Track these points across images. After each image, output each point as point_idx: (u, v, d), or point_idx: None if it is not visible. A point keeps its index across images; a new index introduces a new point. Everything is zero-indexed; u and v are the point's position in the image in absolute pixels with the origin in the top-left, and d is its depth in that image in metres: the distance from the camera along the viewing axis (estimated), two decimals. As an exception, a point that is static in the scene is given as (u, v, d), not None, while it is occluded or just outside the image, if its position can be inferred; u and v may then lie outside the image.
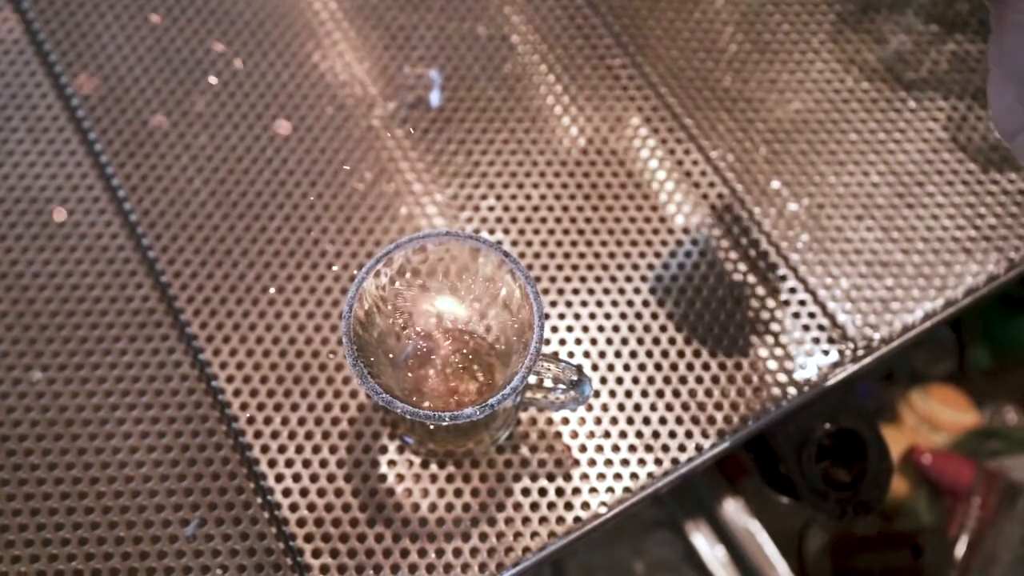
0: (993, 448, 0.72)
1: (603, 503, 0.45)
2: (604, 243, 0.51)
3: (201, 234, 0.49)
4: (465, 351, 0.47)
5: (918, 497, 0.72)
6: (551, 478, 0.45)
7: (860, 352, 0.49)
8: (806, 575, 0.74)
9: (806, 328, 0.49)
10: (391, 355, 0.43)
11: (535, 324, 0.37)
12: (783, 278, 0.50)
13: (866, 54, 0.57)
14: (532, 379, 0.45)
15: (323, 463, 0.45)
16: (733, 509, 0.76)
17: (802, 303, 0.50)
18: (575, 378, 0.39)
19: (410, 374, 0.46)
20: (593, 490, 0.45)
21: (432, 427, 0.44)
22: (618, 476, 0.45)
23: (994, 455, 0.71)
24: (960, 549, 0.67)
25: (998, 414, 0.79)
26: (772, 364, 0.48)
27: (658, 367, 0.48)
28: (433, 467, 0.45)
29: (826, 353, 0.48)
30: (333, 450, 0.45)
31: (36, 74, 0.53)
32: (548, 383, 0.45)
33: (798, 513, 0.77)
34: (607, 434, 0.46)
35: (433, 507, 0.44)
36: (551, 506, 0.45)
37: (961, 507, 0.69)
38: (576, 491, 0.45)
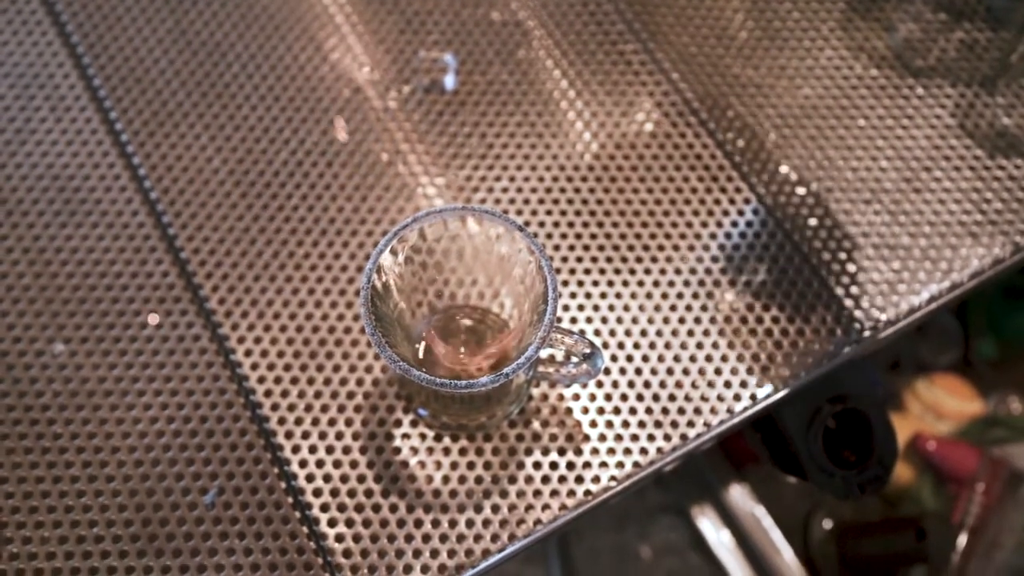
0: (997, 436, 0.72)
1: (612, 477, 0.46)
2: (615, 224, 0.52)
3: (220, 211, 0.50)
4: (480, 327, 0.48)
5: (923, 484, 0.73)
6: (562, 452, 0.46)
7: (866, 333, 0.49)
8: (811, 560, 0.75)
9: (813, 309, 0.50)
10: (407, 330, 0.44)
11: (549, 296, 0.38)
12: (791, 260, 0.51)
13: (875, 41, 0.58)
14: (545, 353, 0.45)
15: (339, 435, 0.46)
16: (739, 494, 0.77)
17: (809, 285, 0.50)
18: (588, 350, 0.40)
19: (425, 350, 0.47)
20: (603, 464, 0.46)
21: (446, 400, 0.45)
22: (627, 451, 0.46)
23: (998, 443, 0.72)
24: (963, 534, 0.68)
25: (1002, 403, 0.79)
26: (779, 344, 0.49)
27: (667, 346, 0.49)
28: (446, 440, 0.46)
29: (833, 334, 0.49)
30: (349, 423, 0.46)
31: (58, 55, 0.54)
32: (561, 356, 0.46)
33: (803, 499, 0.78)
34: (617, 410, 0.47)
35: (446, 479, 0.45)
36: (562, 479, 0.46)
37: (965, 493, 0.69)
38: (587, 465, 0.46)
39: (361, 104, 0.54)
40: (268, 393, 0.46)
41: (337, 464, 0.45)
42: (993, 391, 0.80)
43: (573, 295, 0.50)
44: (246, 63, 0.55)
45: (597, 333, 0.49)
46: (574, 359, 0.42)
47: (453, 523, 0.44)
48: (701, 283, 0.50)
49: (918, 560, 0.67)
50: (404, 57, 0.55)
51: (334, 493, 0.45)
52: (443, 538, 0.44)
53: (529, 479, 0.45)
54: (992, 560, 0.65)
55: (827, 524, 0.76)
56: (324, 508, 0.44)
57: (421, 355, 0.44)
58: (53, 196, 0.50)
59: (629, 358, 0.48)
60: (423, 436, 0.46)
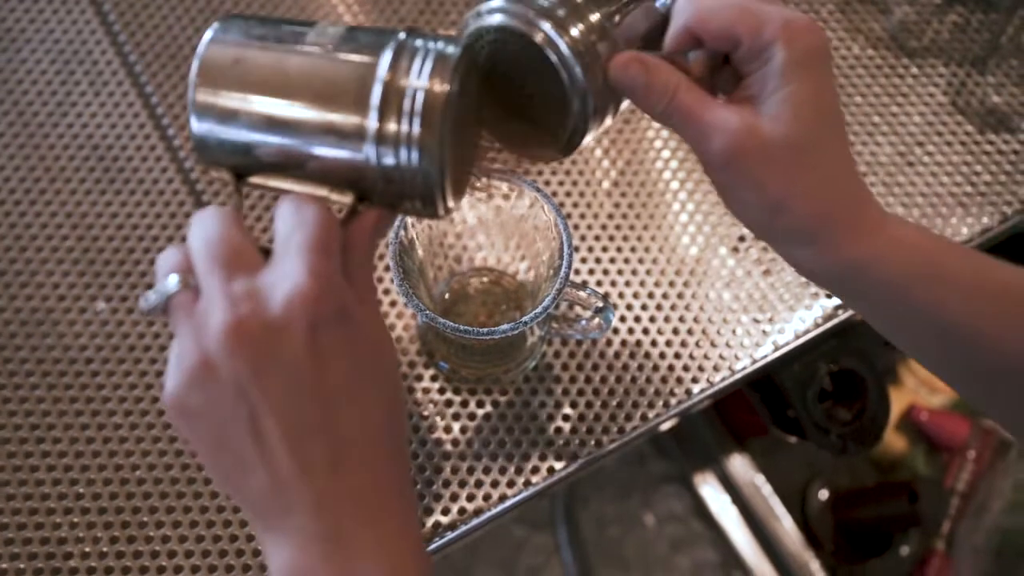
0: (989, 407, 0.75)
1: (620, 430, 0.49)
2: (623, 194, 0.54)
3: (250, 180, 0.53)
4: (497, 290, 0.51)
5: (916, 453, 0.76)
6: (573, 406, 0.49)
7: (861, 297, 0.52)
8: (809, 527, 0.78)
9: (811, 274, 0.53)
10: (428, 289, 0.47)
11: (565, 251, 0.40)
12: (791, 228, 0.54)
13: (872, 23, 0.61)
14: (561, 307, 0.48)
15: (364, 388, 0.49)
16: (740, 465, 0.80)
17: (808, 251, 0.53)
18: (600, 304, 0.43)
19: (445, 310, 0.50)
20: (612, 418, 0.49)
21: (465, 354, 0.48)
22: (635, 405, 0.49)
23: (989, 413, 0.75)
24: (955, 499, 0.71)
25: (995, 378, 0.82)
26: (778, 308, 0.52)
27: (673, 307, 0.52)
28: (465, 393, 0.49)
29: (829, 297, 0.52)
30: (373, 377, 0.49)
31: (96, 32, 0.57)
32: (575, 311, 0.49)
33: (802, 469, 0.81)
34: (625, 367, 0.50)
35: (464, 430, 0.48)
36: (573, 431, 0.48)
37: (957, 461, 0.72)
38: (596, 418, 0.49)
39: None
40: (297, 349, 0.49)
41: (362, 415, 0.48)
42: (986, 367, 0.83)
43: (584, 260, 0.53)
44: (273, 41, 0.57)
45: (607, 297, 0.52)
46: (587, 315, 0.45)
47: (471, 470, 0.47)
48: (705, 249, 0.53)
49: (911, 523, 0.70)
50: (423, 36, 0.58)
51: (360, 441, 0.48)
52: (462, 483, 0.47)
53: (542, 430, 0.48)
54: (981, 522, 0.68)
55: (824, 493, 0.79)
56: (351, 455, 0.47)
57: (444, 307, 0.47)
58: (93, 164, 0.53)
59: (637, 319, 0.51)
60: (443, 390, 0.49)
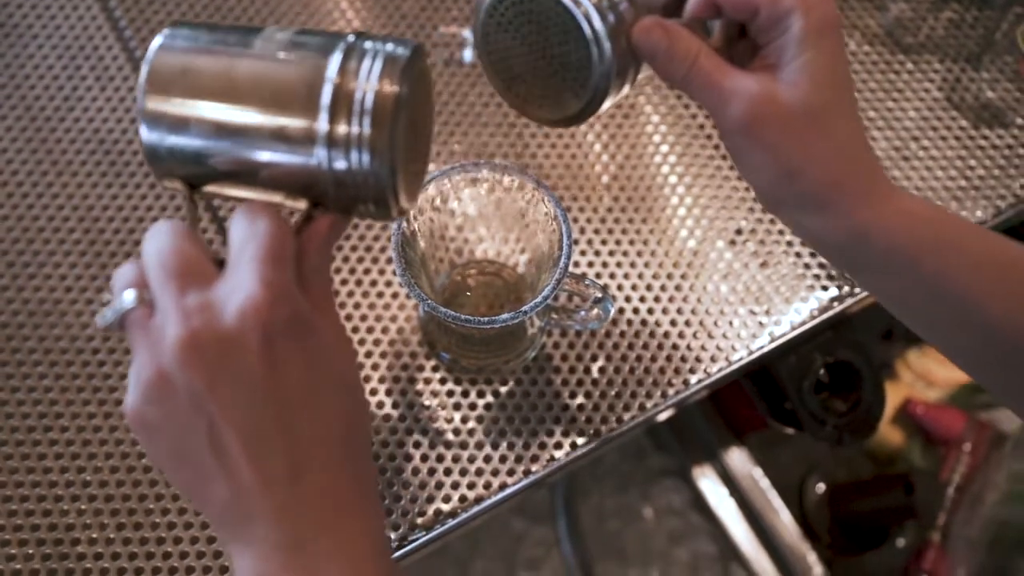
0: (984, 400, 0.76)
1: (619, 419, 0.49)
2: (622, 188, 0.55)
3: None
4: (498, 282, 0.51)
5: (913, 446, 0.77)
6: (573, 396, 0.50)
7: (857, 289, 0.53)
8: (807, 519, 0.79)
9: (807, 267, 0.53)
10: (430, 280, 0.47)
11: (564, 243, 0.41)
12: (787, 221, 0.55)
13: (868, 20, 0.61)
14: (560, 296, 0.49)
15: (366, 378, 0.49)
16: (738, 458, 0.80)
17: (804, 243, 0.54)
18: (599, 295, 0.44)
19: (446, 302, 0.50)
20: (611, 407, 0.50)
21: (467, 344, 0.49)
22: (633, 395, 0.50)
23: (984, 407, 0.75)
24: (950, 491, 0.72)
25: (991, 373, 0.83)
26: (775, 300, 0.53)
27: (671, 299, 0.52)
28: (466, 383, 0.50)
29: (825, 289, 0.53)
30: (375, 367, 0.50)
31: (102, 28, 0.58)
32: (575, 302, 0.50)
33: (799, 462, 0.82)
34: (624, 358, 0.51)
35: (466, 419, 0.49)
36: (573, 421, 0.49)
37: (953, 453, 0.73)
38: (596, 408, 0.50)
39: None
40: (301, 339, 0.50)
41: (365, 404, 0.49)
42: (982, 361, 0.83)
43: (583, 252, 0.53)
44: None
45: (606, 288, 0.52)
46: (586, 305, 0.45)
47: (472, 459, 0.48)
48: (702, 242, 0.54)
49: (906, 514, 0.71)
50: (425, 32, 0.59)
51: (362, 430, 0.48)
52: (463, 472, 0.48)
53: (542, 420, 0.49)
54: (976, 513, 0.69)
55: (821, 486, 0.80)
56: (353, 444, 0.48)
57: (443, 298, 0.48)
58: (100, 158, 0.54)
59: (635, 310, 0.52)
60: (444, 380, 0.50)
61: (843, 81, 0.33)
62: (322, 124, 0.28)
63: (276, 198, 0.30)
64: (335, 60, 0.28)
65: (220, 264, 0.28)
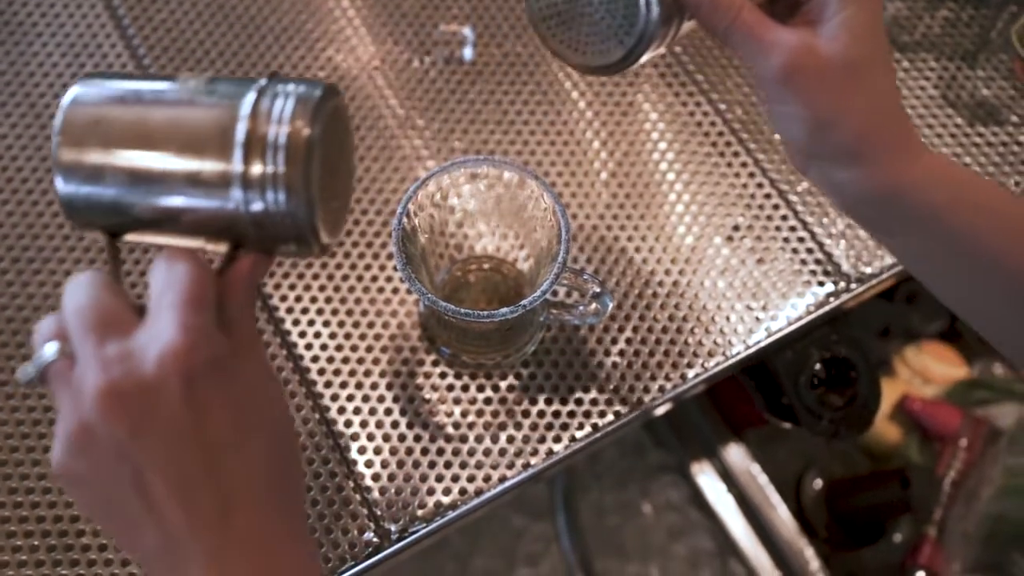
0: (980, 397, 0.76)
1: (617, 413, 0.50)
2: (620, 184, 0.56)
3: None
4: (497, 278, 0.52)
5: (910, 442, 0.77)
6: (571, 390, 0.50)
7: (853, 285, 0.54)
8: (804, 515, 0.79)
9: (804, 263, 0.54)
10: (431, 275, 0.48)
11: (563, 236, 0.42)
12: (784, 218, 0.55)
13: (865, 19, 0.62)
14: (559, 291, 0.50)
15: (367, 373, 0.50)
16: (736, 454, 0.81)
17: (801, 240, 0.55)
18: (597, 290, 0.44)
19: (446, 297, 0.51)
20: (608, 402, 0.50)
21: (467, 339, 0.49)
22: (631, 389, 0.50)
23: (980, 404, 0.76)
24: (946, 486, 0.72)
25: (987, 370, 0.83)
26: (771, 296, 0.53)
27: (669, 295, 0.53)
28: (465, 378, 0.50)
29: (822, 284, 0.53)
30: (376, 362, 0.50)
31: (106, 27, 0.58)
32: (573, 297, 0.50)
33: (796, 459, 0.82)
34: (622, 353, 0.51)
35: (465, 413, 0.49)
36: (571, 415, 0.50)
37: (949, 449, 0.74)
38: (594, 402, 0.50)
39: (387, 73, 0.58)
40: (303, 334, 0.51)
41: (366, 399, 0.49)
42: (978, 359, 0.84)
43: (581, 249, 0.54)
44: (279, 35, 0.59)
45: (604, 283, 0.53)
46: (585, 300, 0.46)
47: (472, 452, 0.49)
48: (700, 238, 0.54)
49: (903, 509, 0.71)
50: (425, 31, 0.60)
51: (363, 424, 0.49)
52: (463, 465, 0.48)
53: (541, 414, 0.50)
54: (971, 508, 0.69)
55: (818, 482, 0.81)
56: (355, 437, 0.49)
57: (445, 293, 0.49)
58: (103, 155, 0.54)
59: (633, 306, 0.52)
60: (444, 374, 0.50)
61: (881, 37, 0.34)
62: (236, 166, 0.28)
63: (198, 243, 0.30)
64: (247, 103, 0.29)
65: (142, 311, 0.28)
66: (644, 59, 0.36)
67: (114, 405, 0.26)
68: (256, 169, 0.28)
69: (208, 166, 0.28)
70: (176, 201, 0.29)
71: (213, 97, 0.29)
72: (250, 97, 0.29)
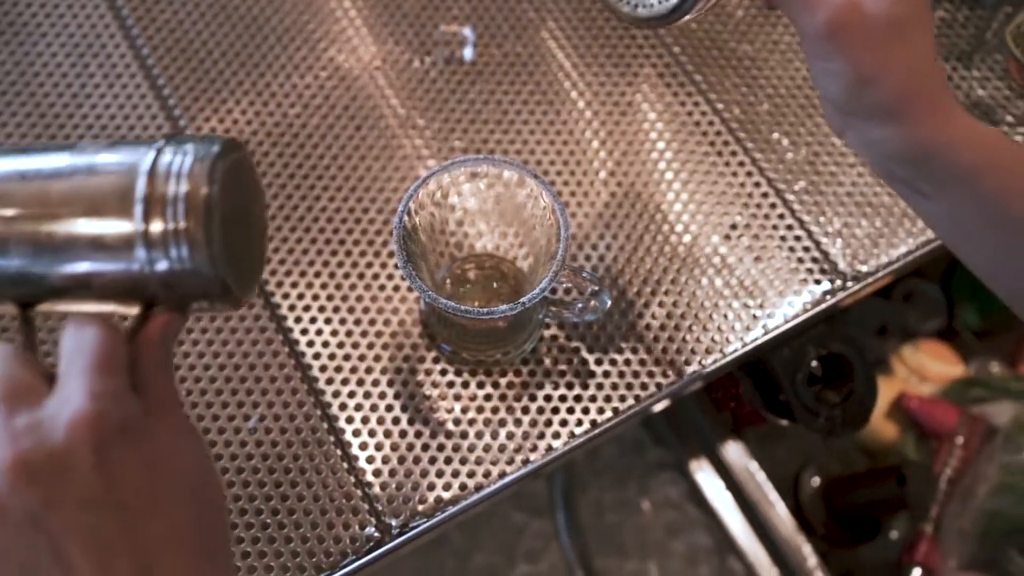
0: (976, 395, 0.77)
1: (615, 410, 0.50)
2: (619, 183, 0.56)
3: (259, 169, 0.55)
4: (497, 276, 0.52)
5: (907, 440, 0.78)
6: (570, 387, 0.51)
7: (849, 283, 0.54)
8: (802, 512, 0.80)
9: (801, 261, 0.55)
10: (431, 273, 0.49)
11: (561, 235, 0.42)
12: (781, 217, 0.56)
13: (861, 19, 0.62)
14: (558, 289, 0.50)
15: (368, 370, 0.51)
16: (734, 452, 0.81)
17: (798, 239, 0.55)
18: (596, 288, 0.45)
19: (446, 295, 0.51)
20: (607, 398, 0.51)
21: (467, 336, 0.50)
22: (629, 386, 0.51)
23: (977, 402, 0.76)
24: (943, 483, 0.73)
25: (984, 369, 0.84)
26: (768, 294, 0.54)
27: (667, 292, 0.53)
28: (466, 375, 0.51)
29: (818, 283, 0.54)
30: (377, 359, 0.51)
31: (110, 26, 0.59)
32: (572, 294, 0.51)
33: (795, 456, 0.83)
34: (620, 350, 0.52)
35: (465, 409, 0.50)
36: (570, 411, 0.50)
37: (946, 447, 0.74)
38: (592, 399, 0.51)
39: (388, 73, 0.59)
40: (305, 332, 0.51)
41: (367, 395, 0.50)
42: (975, 357, 0.84)
43: (580, 246, 0.54)
44: (281, 35, 0.59)
45: (603, 280, 0.54)
46: (583, 298, 0.46)
47: (472, 448, 0.49)
48: (698, 236, 0.55)
49: (899, 505, 0.72)
50: (426, 31, 0.60)
51: (365, 420, 0.49)
52: (463, 460, 0.49)
53: (540, 410, 0.50)
54: (967, 505, 0.70)
55: (816, 480, 0.81)
56: (356, 433, 0.49)
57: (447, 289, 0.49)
58: (107, 154, 0.55)
59: (631, 303, 0.53)
60: (444, 371, 0.51)
61: None
62: (138, 225, 0.28)
63: (110, 307, 0.30)
64: (145, 163, 0.29)
65: (54, 380, 0.28)
66: (692, 14, 0.36)
67: (25, 476, 0.26)
68: (157, 227, 0.28)
69: (110, 228, 0.28)
70: (82, 267, 0.29)
71: (111, 161, 0.29)
72: (149, 157, 0.29)
